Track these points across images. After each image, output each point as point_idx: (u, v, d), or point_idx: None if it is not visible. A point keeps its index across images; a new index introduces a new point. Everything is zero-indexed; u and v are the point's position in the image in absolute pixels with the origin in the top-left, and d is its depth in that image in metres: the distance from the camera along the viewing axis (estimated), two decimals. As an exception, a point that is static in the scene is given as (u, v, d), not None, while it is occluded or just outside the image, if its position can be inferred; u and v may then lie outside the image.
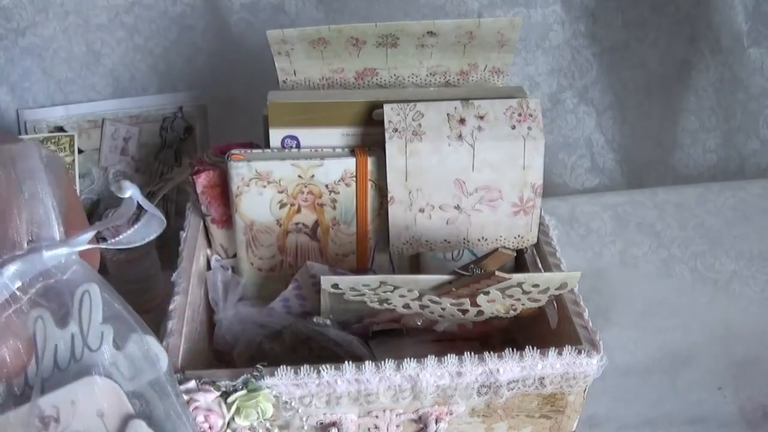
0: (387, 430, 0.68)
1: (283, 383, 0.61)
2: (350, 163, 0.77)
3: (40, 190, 0.54)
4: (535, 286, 0.67)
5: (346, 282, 0.67)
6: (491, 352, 0.63)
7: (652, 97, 1.11)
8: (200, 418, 0.59)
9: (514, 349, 0.63)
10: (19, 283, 0.52)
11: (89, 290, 0.53)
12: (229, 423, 0.61)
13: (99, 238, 0.93)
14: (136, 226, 0.59)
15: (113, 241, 0.58)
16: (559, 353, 0.63)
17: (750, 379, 0.92)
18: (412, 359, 0.62)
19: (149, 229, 0.59)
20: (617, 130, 1.14)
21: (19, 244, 0.52)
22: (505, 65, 0.81)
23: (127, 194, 0.58)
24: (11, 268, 0.52)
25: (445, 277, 0.67)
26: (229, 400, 0.60)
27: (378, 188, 0.79)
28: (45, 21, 0.99)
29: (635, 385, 0.92)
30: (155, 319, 0.64)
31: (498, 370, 0.63)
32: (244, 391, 0.61)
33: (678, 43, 1.08)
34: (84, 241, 0.55)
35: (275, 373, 0.61)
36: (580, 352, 0.64)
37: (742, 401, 0.90)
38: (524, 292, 0.68)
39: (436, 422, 0.67)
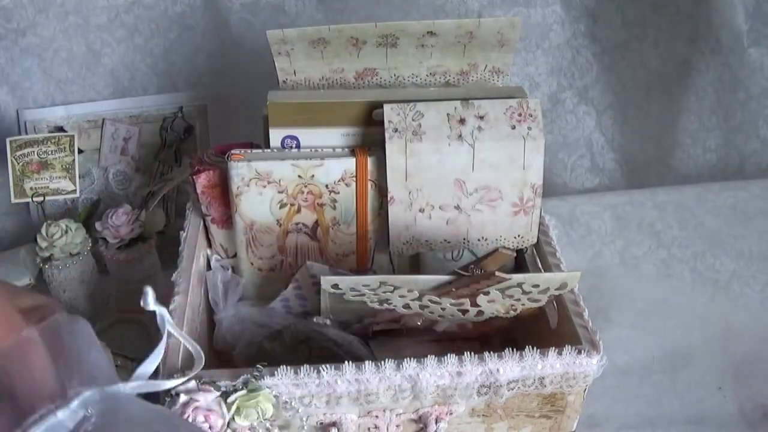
0: (387, 430, 0.68)
1: (283, 383, 0.61)
2: (350, 163, 0.77)
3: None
4: (535, 286, 0.67)
5: (346, 282, 0.67)
6: (491, 352, 0.63)
7: (652, 97, 1.11)
8: (200, 418, 0.59)
9: (514, 349, 0.63)
10: None
11: None
12: (229, 423, 0.61)
13: (99, 237, 0.94)
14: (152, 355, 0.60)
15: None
16: (559, 353, 0.63)
17: (750, 379, 0.92)
18: (412, 359, 0.62)
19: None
20: (617, 130, 1.14)
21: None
22: (505, 65, 0.81)
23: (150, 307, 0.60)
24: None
25: (445, 278, 0.67)
26: (230, 400, 0.60)
27: (378, 188, 0.79)
28: (45, 21, 0.99)
29: (635, 385, 0.92)
30: (155, 319, 0.64)
31: (498, 370, 0.63)
32: (244, 391, 0.61)
33: (678, 43, 1.08)
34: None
35: (275, 373, 0.61)
36: (580, 352, 0.64)
37: (742, 401, 0.90)
38: (524, 293, 0.68)
39: (436, 422, 0.67)
